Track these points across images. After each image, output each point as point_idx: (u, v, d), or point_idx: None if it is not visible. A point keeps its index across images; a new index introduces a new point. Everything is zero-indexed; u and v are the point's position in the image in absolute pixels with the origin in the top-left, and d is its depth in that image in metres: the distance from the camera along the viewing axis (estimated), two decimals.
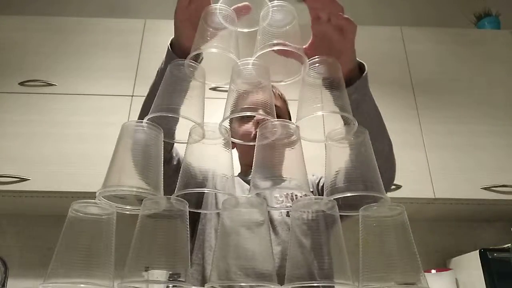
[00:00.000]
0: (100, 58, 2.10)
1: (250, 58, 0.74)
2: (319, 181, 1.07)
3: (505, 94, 2.15)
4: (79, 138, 1.87)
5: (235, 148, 1.05)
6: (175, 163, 0.94)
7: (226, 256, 0.56)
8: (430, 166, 1.94)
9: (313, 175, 1.14)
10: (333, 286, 0.56)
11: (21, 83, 1.99)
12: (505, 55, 2.26)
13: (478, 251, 1.76)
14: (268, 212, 0.60)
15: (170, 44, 0.80)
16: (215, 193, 0.98)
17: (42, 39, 2.12)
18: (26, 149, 1.84)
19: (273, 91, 1.04)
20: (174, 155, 0.95)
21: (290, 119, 1.13)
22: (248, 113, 0.67)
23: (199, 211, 0.94)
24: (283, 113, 1.08)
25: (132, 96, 2.01)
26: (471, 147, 2.00)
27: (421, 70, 2.19)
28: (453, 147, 2.00)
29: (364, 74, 0.76)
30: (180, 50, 0.76)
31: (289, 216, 0.92)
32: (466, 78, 2.18)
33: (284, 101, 1.12)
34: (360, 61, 0.78)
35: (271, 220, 0.89)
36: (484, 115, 2.09)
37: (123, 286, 0.54)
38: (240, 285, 0.54)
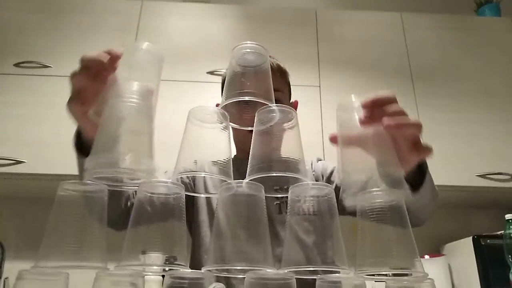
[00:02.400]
0: (96, 41, 2.07)
1: (248, 42, 0.73)
2: (331, 174, 1.05)
3: (503, 82, 2.15)
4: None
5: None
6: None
7: (223, 241, 0.57)
8: None
9: (318, 160, 1.13)
10: (330, 271, 0.57)
11: (16, 65, 1.97)
12: (505, 43, 2.25)
13: (471, 237, 1.78)
14: (267, 209, 0.60)
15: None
16: (207, 184, 0.97)
17: (37, 20, 2.09)
18: (21, 131, 1.83)
19: (271, 64, 0.98)
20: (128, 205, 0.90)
21: (290, 95, 1.09)
22: (246, 98, 0.66)
23: (194, 194, 0.94)
24: (283, 96, 1.03)
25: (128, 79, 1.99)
26: (467, 135, 2.01)
27: (420, 57, 2.18)
28: (450, 135, 2.00)
29: (427, 172, 0.70)
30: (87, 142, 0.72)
31: (281, 213, 0.92)
32: (465, 65, 2.17)
33: (284, 73, 1.06)
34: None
35: (270, 220, 0.87)
36: (482, 103, 2.09)
37: (120, 269, 0.54)
38: (236, 268, 0.54)
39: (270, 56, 0.99)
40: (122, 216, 0.86)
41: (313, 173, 1.07)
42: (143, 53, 0.61)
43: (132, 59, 0.62)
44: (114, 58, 0.61)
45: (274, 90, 0.88)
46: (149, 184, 0.59)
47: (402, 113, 0.58)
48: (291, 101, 1.09)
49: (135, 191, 0.88)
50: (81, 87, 0.62)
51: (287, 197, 0.92)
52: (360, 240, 0.54)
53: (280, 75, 1.02)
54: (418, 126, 0.57)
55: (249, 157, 0.64)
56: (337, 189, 0.99)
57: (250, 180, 0.60)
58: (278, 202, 0.94)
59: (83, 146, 0.71)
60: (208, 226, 0.95)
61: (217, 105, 1.06)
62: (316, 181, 1.03)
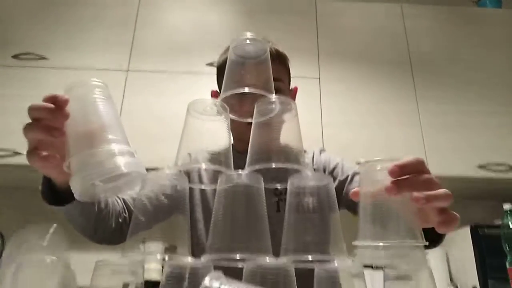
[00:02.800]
0: (94, 32, 2.06)
1: (247, 33, 0.72)
2: (334, 169, 1.03)
3: (503, 73, 2.14)
4: None
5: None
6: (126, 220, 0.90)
7: (222, 230, 0.57)
8: (426, 144, 1.96)
9: (321, 151, 1.11)
10: (328, 260, 0.57)
11: (15, 56, 1.96)
12: (506, 35, 2.24)
13: (469, 227, 1.80)
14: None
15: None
16: (202, 179, 0.97)
17: (35, 11, 2.08)
18: (20, 123, 1.83)
19: (271, 50, 0.95)
20: (125, 215, 0.89)
21: (289, 82, 1.06)
22: (246, 90, 0.66)
23: (198, 186, 0.94)
24: (283, 85, 1.01)
25: (127, 71, 1.99)
26: (467, 125, 2.01)
27: (420, 49, 2.17)
28: (449, 126, 2.01)
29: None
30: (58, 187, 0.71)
31: (279, 212, 0.91)
32: (465, 57, 2.17)
33: (283, 59, 1.03)
34: None
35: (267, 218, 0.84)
36: (482, 94, 2.09)
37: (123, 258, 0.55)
38: (235, 258, 0.55)
39: (268, 42, 0.98)
40: (116, 232, 0.86)
41: (314, 166, 1.05)
42: (88, 90, 0.58)
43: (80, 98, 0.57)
44: (61, 104, 0.57)
45: (274, 79, 0.87)
46: (152, 176, 0.60)
47: (431, 182, 0.54)
48: (290, 88, 1.07)
49: (125, 206, 0.89)
50: (35, 141, 0.59)
51: (286, 194, 0.93)
52: (360, 217, 0.54)
53: (279, 62, 0.99)
54: (448, 198, 0.54)
55: (248, 148, 0.64)
56: (339, 186, 0.99)
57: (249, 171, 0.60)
58: (277, 199, 0.93)
59: (54, 192, 0.70)
60: (204, 224, 0.95)
61: (212, 92, 1.06)
62: (343, 181, 1.01)
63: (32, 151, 0.58)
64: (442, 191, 0.54)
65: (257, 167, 0.60)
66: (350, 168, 1.03)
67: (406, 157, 0.54)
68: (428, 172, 0.55)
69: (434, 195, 0.52)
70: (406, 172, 0.52)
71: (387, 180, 0.51)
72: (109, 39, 2.04)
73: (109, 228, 0.83)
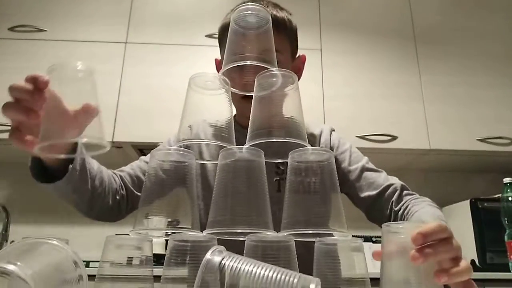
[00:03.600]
0: (92, 3, 2.01)
1: (248, 4, 0.70)
2: (343, 153, 0.98)
3: (507, 46, 2.11)
4: None
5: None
6: (126, 197, 0.88)
7: (223, 205, 0.57)
8: (427, 117, 1.94)
9: (332, 130, 1.04)
10: (329, 233, 0.58)
11: (11, 29, 1.93)
12: (510, 6, 2.19)
13: (468, 200, 1.81)
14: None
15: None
16: (203, 155, 0.96)
17: None
18: None
19: (274, 16, 0.86)
20: (122, 193, 0.88)
21: (296, 49, 0.99)
22: (247, 63, 0.65)
23: (203, 161, 0.93)
24: (283, 58, 0.92)
25: (125, 43, 1.95)
26: (469, 98, 2.00)
27: (423, 20, 2.13)
28: (452, 99, 1.99)
29: None
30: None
31: (280, 192, 0.88)
32: (468, 28, 2.13)
33: (283, 28, 0.93)
34: None
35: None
36: (484, 66, 2.06)
37: (132, 233, 0.56)
38: (237, 231, 0.55)
39: (273, 7, 0.93)
40: (114, 210, 0.86)
41: (322, 144, 0.99)
42: (71, 72, 0.55)
43: (62, 81, 0.55)
44: (41, 86, 0.55)
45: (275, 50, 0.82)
46: (159, 152, 0.60)
47: (454, 251, 0.54)
48: (298, 55, 1.00)
49: (122, 183, 0.88)
50: (15, 122, 0.58)
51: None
52: None
53: (277, 31, 0.87)
54: (469, 272, 0.54)
55: (249, 123, 0.63)
56: (343, 173, 0.95)
57: (250, 145, 0.60)
58: (278, 178, 0.91)
59: (43, 170, 0.70)
60: (203, 200, 0.94)
61: (216, 60, 1.02)
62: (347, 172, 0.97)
63: (14, 132, 0.58)
64: (464, 266, 0.53)
65: (257, 141, 0.60)
66: (358, 158, 0.98)
67: (429, 224, 0.53)
68: (450, 236, 0.55)
69: (456, 272, 0.52)
70: (429, 240, 0.52)
71: (410, 244, 0.51)
72: (107, 10, 2.00)
73: (106, 205, 0.83)
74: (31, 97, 0.54)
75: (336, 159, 0.96)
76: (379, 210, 0.91)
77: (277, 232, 0.57)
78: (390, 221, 0.87)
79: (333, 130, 1.04)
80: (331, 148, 0.99)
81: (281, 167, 0.90)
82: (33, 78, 0.55)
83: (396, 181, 0.93)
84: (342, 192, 0.93)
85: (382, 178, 0.93)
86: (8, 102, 0.57)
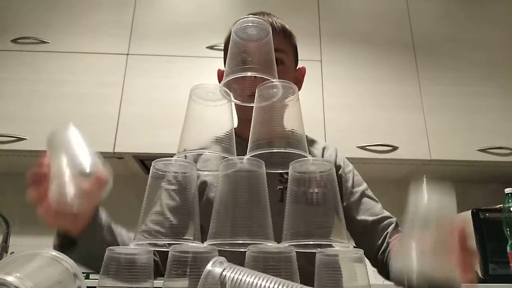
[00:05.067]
0: (94, 15, 2.03)
1: (248, 16, 0.71)
2: (346, 174, 1.00)
3: (506, 55, 2.12)
4: (73, 97, 1.85)
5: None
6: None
7: (224, 216, 0.57)
8: (428, 128, 1.95)
9: (336, 152, 1.05)
10: (329, 245, 0.57)
11: (14, 41, 1.94)
12: (510, 14, 2.21)
13: (470, 211, 1.80)
14: (269, 195, 0.60)
15: None
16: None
17: None
18: (21, 108, 1.83)
19: (274, 24, 0.92)
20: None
21: (296, 59, 1.02)
22: (248, 74, 0.65)
23: (205, 171, 0.93)
24: (286, 58, 0.96)
25: (127, 54, 1.97)
26: (469, 109, 2.00)
27: (423, 30, 2.14)
28: (452, 109, 1.99)
29: None
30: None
31: (282, 202, 0.87)
32: (467, 37, 2.14)
33: (289, 34, 0.99)
34: None
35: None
36: (483, 76, 2.07)
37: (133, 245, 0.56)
38: (237, 242, 0.55)
39: (274, 16, 0.96)
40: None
41: (326, 157, 1.00)
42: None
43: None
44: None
45: (276, 50, 0.82)
46: (160, 163, 0.60)
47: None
48: (297, 67, 1.03)
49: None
50: (33, 198, 0.65)
51: None
52: None
53: (283, 35, 0.96)
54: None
55: (250, 133, 0.64)
56: (344, 190, 0.96)
57: (251, 156, 0.60)
58: (281, 187, 0.90)
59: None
60: (203, 213, 0.93)
61: (219, 71, 1.03)
62: (336, 167, 0.98)
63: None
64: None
65: (258, 152, 0.60)
66: (360, 182, 1.00)
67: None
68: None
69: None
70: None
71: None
72: (109, 22, 2.02)
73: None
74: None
75: (341, 177, 0.97)
76: (371, 238, 0.92)
77: (280, 241, 0.57)
78: (378, 252, 0.88)
79: (339, 151, 1.05)
80: (337, 166, 0.99)
81: (285, 175, 0.89)
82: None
83: (391, 215, 0.95)
84: None
85: (379, 208, 0.96)
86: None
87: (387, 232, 0.90)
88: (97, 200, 0.62)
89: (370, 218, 0.93)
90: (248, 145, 0.62)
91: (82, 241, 0.67)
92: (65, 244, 0.69)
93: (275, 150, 0.60)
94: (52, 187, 0.59)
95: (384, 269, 0.89)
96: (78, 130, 0.65)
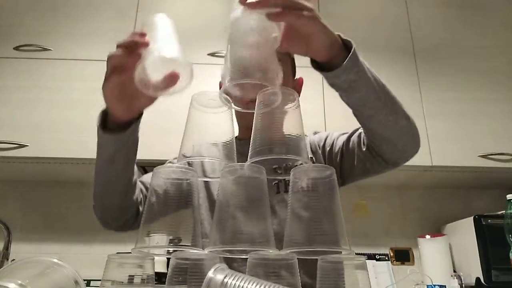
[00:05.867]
0: (96, 22, 2.05)
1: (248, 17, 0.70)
2: (325, 141, 1.05)
3: (506, 61, 2.12)
4: (75, 104, 1.86)
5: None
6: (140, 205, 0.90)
7: (225, 222, 0.57)
8: (429, 134, 1.95)
9: (314, 133, 1.12)
10: (332, 251, 0.57)
11: (16, 48, 1.95)
12: (510, 20, 2.21)
13: (472, 217, 1.79)
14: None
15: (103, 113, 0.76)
16: (205, 168, 0.97)
17: (37, 2, 2.06)
18: (24, 115, 1.83)
19: None
20: (139, 201, 0.90)
21: (294, 70, 1.05)
22: (249, 81, 0.66)
23: (205, 179, 0.94)
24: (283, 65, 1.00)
25: None
26: (470, 114, 2.00)
27: (423, 35, 2.15)
28: (453, 115, 1.99)
29: (351, 53, 0.72)
30: (113, 121, 0.74)
31: (287, 192, 0.91)
32: (468, 43, 2.15)
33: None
34: (344, 38, 0.75)
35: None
36: (484, 82, 2.07)
37: (134, 251, 0.56)
38: (239, 249, 0.55)
39: None
40: (133, 214, 0.87)
41: (311, 149, 1.05)
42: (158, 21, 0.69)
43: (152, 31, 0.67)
44: (143, 36, 0.66)
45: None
46: (162, 170, 0.60)
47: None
48: (295, 78, 1.06)
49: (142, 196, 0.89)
50: (118, 63, 0.67)
51: (286, 175, 0.93)
52: None
53: None
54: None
55: (251, 139, 0.64)
56: (331, 153, 1.01)
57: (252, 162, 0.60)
58: (276, 181, 0.94)
59: (106, 126, 0.74)
60: (206, 211, 0.95)
61: (221, 84, 1.05)
62: (313, 154, 1.03)
63: (112, 73, 0.68)
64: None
65: (258, 158, 0.60)
66: (335, 135, 1.06)
67: None
68: None
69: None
70: None
71: None
72: (111, 29, 2.03)
73: (135, 204, 0.85)
74: (136, 44, 0.65)
75: (324, 151, 1.03)
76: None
77: (280, 233, 0.57)
78: (361, 146, 0.95)
79: (317, 132, 1.09)
80: (318, 146, 1.05)
81: (279, 170, 0.91)
82: (136, 33, 0.67)
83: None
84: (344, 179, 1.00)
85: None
86: (112, 52, 0.69)
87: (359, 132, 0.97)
88: (164, 93, 0.65)
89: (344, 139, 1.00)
90: (249, 151, 0.62)
91: (133, 127, 0.73)
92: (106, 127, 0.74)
93: (275, 157, 0.60)
94: (139, 65, 0.61)
95: (369, 151, 0.94)
96: (169, 20, 0.69)
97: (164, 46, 0.62)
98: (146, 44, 0.63)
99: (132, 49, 0.64)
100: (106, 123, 0.74)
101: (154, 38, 0.64)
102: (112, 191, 0.81)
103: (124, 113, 0.72)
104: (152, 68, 0.61)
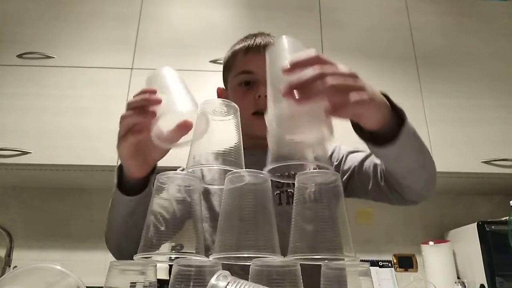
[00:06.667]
0: (98, 30, 2.06)
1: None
2: (332, 155, 1.03)
3: (508, 67, 2.12)
4: (78, 111, 1.87)
5: None
6: None
7: (229, 229, 0.57)
8: (431, 140, 1.94)
9: (334, 149, 1.09)
10: (336, 258, 0.57)
11: (19, 56, 1.97)
12: (509, 28, 2.22)
13: (476, 223, 1.79)
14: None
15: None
16: (205, 179, 0.96)
17: (40, 10, 2.08)
18: (26, 122, 1.84)
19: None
20: None
21: None
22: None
23: (207, 185, 0.93)
24: None
25: (131, 68, 1.99)
26: (473, 121, 2.00)
27: (425, 43, 2.15)
28: (455, 121, 1.99)
29: (404, 127, 0.66)
30: (128, 180, 0.74)
31: (289, 204, 0.90)
32: (470, 50, 2.15)
33: None
34: (395, 103, 0.67)
35: None
36: (486, 88, 2.07)
37: (136, 258, 0.56)
38: (242, 256, 0.55)
39: (273, 37, 0.99)
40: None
41: (335, 160, 1.03)
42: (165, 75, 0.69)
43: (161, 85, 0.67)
44: (154, 93, 0.65)
45: None
46: (164, 177, 0.61)
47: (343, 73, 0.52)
48: None
49: None
50: (133, 124, 0.67)
51: (287, 186, 0.92)
52: None
53: None
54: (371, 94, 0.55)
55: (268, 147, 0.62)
56: (338, 170, 0.98)
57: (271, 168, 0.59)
58: (278, 192, 0.93)
59: (122, 186, 0.75)
60: (207, 221, 0.94)
61: (218, 89, 1.06)
62: (338, 165, 1.00)
63: (126, 133, 0.68)
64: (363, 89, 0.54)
65: (278, 164, 0.58)
66: (343, 150, 1.03)
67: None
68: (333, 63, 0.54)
69: (354, 101, 0.52)
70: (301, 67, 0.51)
71: None
72: (113, 37, 2.04)
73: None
74: (148, 102, 0.64)
75: (339, 165, 1.00)
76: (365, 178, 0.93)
77: (282, 245, 0.57)
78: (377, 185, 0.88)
79: (338, 146, 1.07)
80: (337, 159, 1.02)
81: (281, 180, 0.90)
82: (146, 90, 0.67)
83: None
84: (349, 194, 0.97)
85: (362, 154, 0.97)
86: (125, 112, 0.67)
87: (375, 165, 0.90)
88: (176, 145, 0.65)
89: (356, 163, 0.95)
90: (268, 158, 0.60)
91: (149, 184, 0.74)
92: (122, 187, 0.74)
93: (295, 162, 0.58)
94: (155, 123, 0.62)
95: (388, 187, 0.87)
96: (176, 72, 0.69)
97: (178, 101, 0.63)
98: (158, 102, 0.63)
99: (146, 109, 0.64)
100: (121, 179, 0.75)
101: (166, 93, 0.64)
102: (131, 237, 0.78)
103: (140, 169, 0.72)
104: (169, 124, 0.62)
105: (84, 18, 2.08)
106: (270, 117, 0.54)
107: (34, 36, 2.02)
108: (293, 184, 0.89)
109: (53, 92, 1.90)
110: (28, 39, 2.01)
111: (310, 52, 0.53)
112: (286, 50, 0.56)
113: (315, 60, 0.52)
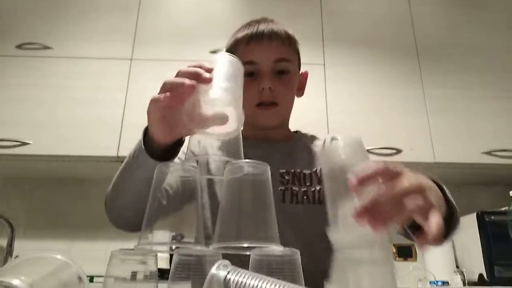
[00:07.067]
0: (97, 21, 2.05)
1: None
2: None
3: (509, 58, 2.11)
4: (77, 102, 1.86)
5: None
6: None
7: (229, 219, 0.57)
8: (432, 131, 1.94)
9: (332, 139, 1.09)
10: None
11: (18, 46, 1.96)
12: (511, 21, 2.21)
13: (475, 213, 1.79)
14: None
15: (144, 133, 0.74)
16: (210, 166, 0.96)
17: (38, 1, 2.07)
18: (26, 113, 1.84)
19: (279, 31, 0.94)
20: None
21: (299, 65, 1.02)
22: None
23: (209, 176, 0.93)
24: (291, 66, 0.96)
25: (131, 59, 1.98)
26: (473, 112, 1.99)
27: (426, 33, 2.14)
28: (455, 112, 1.99)
29: (456, 220, 0.65)
30: (153, 145, 0.72)
31: (292, 203, 0.89)
32: (471, 41, 2.14)
33: (293, 42, 0.98)
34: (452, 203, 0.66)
35: None
36: (487, 79, 2.06)
37: (137, 247, 0.56)
38: (242, 246, 0.55)
39: (276, 23, 0.98)
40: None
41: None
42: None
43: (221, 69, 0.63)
44: (209, 71, 0.62)
45: (282, 60, 0.85)
46: (166, 166, 0.60)
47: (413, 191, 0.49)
48: (300, 72, 1.05)
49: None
50: (175, 88, 0.64)
51: (292, 184, 0.92)
52: None
53: (288, 43, 0.96)
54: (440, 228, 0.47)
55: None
56: None
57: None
58: (283, 188, 0.91)
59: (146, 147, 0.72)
60: (209, 209, 0.94)
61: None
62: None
63: (160, 98, 0.65)
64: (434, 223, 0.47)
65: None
66: None
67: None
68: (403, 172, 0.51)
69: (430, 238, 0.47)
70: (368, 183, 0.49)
71: None
72: (112, 27, 2.03)
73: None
74: (198, 76, 0.61)
75: None
76: None
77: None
78: None
79: (335, 139, 1.05)
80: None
81: (286, 176, 0.89)
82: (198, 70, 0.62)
83: None
84: None
85: None
86: (169, 80, 0.66)
87: None
88: (205, 132, 0.62)
89: None
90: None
91: (175, 150, 0.71)
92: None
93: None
94: (191, 97, 0.60)
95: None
96: (236, 62, 0.64)
97: (222, 85, 0.59)
98: (208, 81, 0.61)
99: (194, 79, 0.62)
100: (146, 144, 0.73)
101: (215, 76, 0.61)
102: (143, 206, 0.78)
103: (165, 136, 0.69)
104: (203, 104, 0.60)
105: (83, 8, 2.07)
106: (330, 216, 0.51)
107: (33, 26, 2.01)
108: (297, 182, 0.90)
109: (52, 83, 1.90)
110: (27, 30, 2.00)
111: (378, 164, 0.50)
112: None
113: (384, 173, 0.50)
